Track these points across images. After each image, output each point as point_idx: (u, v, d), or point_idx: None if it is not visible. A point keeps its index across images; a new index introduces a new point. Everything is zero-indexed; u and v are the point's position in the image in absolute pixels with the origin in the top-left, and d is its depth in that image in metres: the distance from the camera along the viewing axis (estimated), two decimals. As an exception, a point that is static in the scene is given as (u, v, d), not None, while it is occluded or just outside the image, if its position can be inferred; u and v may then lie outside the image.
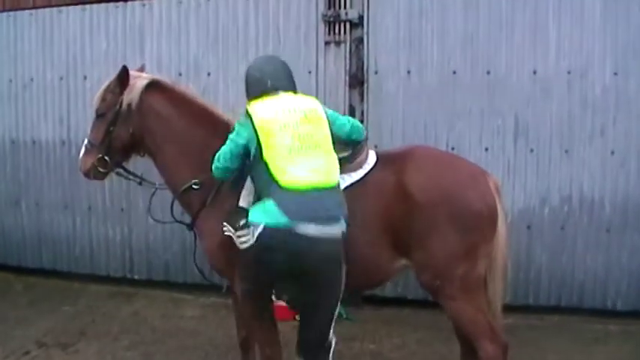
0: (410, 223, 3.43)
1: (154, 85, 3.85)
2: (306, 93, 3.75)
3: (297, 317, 5.56)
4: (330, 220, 3.20)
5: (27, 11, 6.90)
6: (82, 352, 5.06)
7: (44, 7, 6.83)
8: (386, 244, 3.51)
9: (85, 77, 6.64)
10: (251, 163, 3.35)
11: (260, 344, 3.77)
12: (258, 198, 3.37)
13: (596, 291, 5.64)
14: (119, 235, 6.68)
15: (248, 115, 3.34)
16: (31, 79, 6.87)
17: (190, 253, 6.12)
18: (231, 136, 3.44)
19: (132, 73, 3.89)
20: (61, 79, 6.76)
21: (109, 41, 6.57)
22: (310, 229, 3.12)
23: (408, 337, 5.31)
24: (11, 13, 6.94)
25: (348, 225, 3.29)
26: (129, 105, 3.77)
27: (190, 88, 4.02)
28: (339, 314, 5.66)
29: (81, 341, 5.27)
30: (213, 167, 3.52)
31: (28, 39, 6.88)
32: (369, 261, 3.53)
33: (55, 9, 6.78)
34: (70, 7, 6.72)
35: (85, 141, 3.91)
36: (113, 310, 6.02)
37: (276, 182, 3.18)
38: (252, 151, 3.29)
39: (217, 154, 3.48)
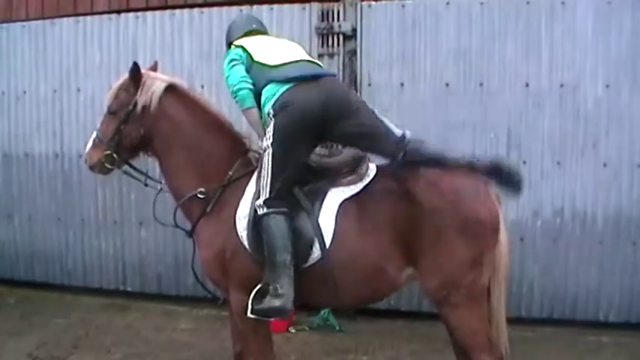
0: (417, 232, 3.41)
1: (171, 89, 3.81)
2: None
3: (291, 329, 5.64)
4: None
5: (19, 23, 6.90)
6: (75, 366, 5.04)
7: (37, 19, 6.84)
8: (393, 253, 3.47)
9: (79, 90, 6.64)
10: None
11: (254, 356, 3.75)
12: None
13: (589, 303, 5.66)
14: (112, 248, 6.66)
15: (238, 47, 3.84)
16: (24, 92, 6.86)
17: (183, 265, 6.24)
18: (231, 69, 3.75)
19: (146, 72, 3.85)
20: (55, 91, 6.75)
21: (103, 53, 6.57)
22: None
23: (402, 349, 5.30)
24: (4, 25, 6.94)
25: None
26: (144, 107, 3.74)
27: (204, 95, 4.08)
28: (332, 326, 5.72)
29: (74, 354, 5.22)
30: (240, 97, 3.69)
31: (21, 51, 6.87)
32: (377, 271, 3.49)
33: (48, 21, 6.78)
34: (64, 19, 6.73)
35: (94, 135, 3.86)
36: (106, 322, 5.98)
37: (269, 67, 3.66)
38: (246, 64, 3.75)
39: (234, 87, 3.70)
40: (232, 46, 3.89)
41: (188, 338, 5.59)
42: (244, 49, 3.79)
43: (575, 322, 5.67)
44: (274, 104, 3.52)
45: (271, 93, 3.57)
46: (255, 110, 3.68)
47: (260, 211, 3.43)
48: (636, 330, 5.53)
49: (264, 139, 3.52)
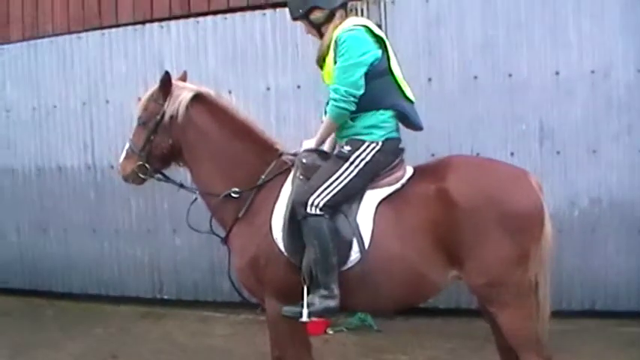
0: (458, 233, 3.33)
1: (197, 98, 3.78)
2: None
3: (329, 330, 5.61)
4: None
5: (46, 39, 7.02)
6: (115, 375, 5.07)
7: (63, 34, 6.95)
8: (436, 257, 3.39)
9: (107, 101, 6.72)
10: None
11: (293, 361, 3.72)
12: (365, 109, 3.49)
13: (631, 293, 5.54)
14: (147, 257, 6.71)
15: (365, 29, 3.49)
16: (54, 106, 6.96)
17: (218, 271, 6.24)
18: (351, 60, 3.41)
19: (175, 82, 3.83)
20: (84, 104, 6.84)
21: (129, 64, 6.64)
22: None
23: (440, 348, 5.25)
24: (31, 41, 7.07)
25: None
26: (171, 117, 3.74)
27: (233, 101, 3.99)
28: (369, 326, 5.68)
29: (113, 364, 5.28)
30: (339, 108, 3.44)
31: (49, 66, 6.98)
32: (420, 276, 3.42)
33: (74, 35, 6.88)
34: (89, 33, 6.82)
35: (127, 145, 3.87)
36: (144, 331, 6.03)
37: (399, 90, 3.55)
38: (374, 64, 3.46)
39: (339, 90, 3.41)
40: (345, 19, 3.59)
41: (225, 344, 5.60)
42: (382, 42, 3.56)
43: (617, 313, 5.54)
44: (385, 139, 3.50)
45: (389, 125, 3.54)
46: (337, 126, 3.60)
47: (311, 211, 3.35)
48: (681, 318, 5.40)
49: (357, 152, 3.46)
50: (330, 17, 3.59)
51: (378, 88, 3.48)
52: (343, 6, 3.65)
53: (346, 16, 3.63)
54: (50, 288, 7.11)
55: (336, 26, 3.54)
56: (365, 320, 5.77)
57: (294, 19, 3.74)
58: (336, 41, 3.47)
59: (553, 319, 3.62)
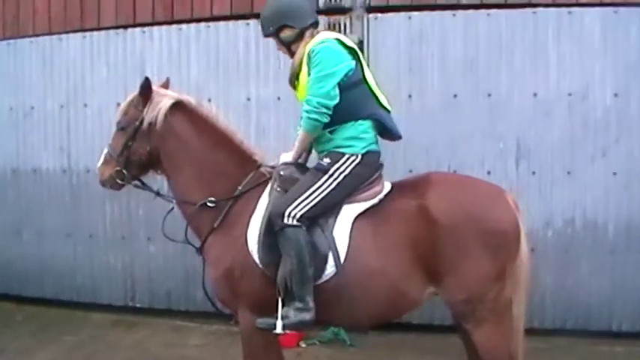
0: (438, 249, 3.34)
1: (177, 106, 3.77)
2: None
3: (302, 343, 5.60)
4: None
5: (27, 39, 6.93)
6: (85, 383, 5.01)
7: (44, 34, 6.87)
8: (415, 273, 3.40)
9: (86, 105, 6.66)
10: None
11: (266, 374, 3.71)
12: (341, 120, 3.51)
13: (602, 313, 5.63)
14: (121, 264, 6.64)
15: (337, 41, 3.54)
16: (32, 107, 6.88)
17: (192, 281, 6.22)
18: (325, 71, 3.42)
19: (156, 89, 3.82)
20: (62, 107, 6.77)
21: (110, 68, 6.59)
22: None
23: (414, 363, 5.26)
24: (11, 41, 6.98)
25: None
26: (150, 123, 3.72)
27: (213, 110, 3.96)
28: (343, 341, 5.67)
29: (83, 372, 5.22)
30: (312, 120, 3.44)
31: (28, 67, 6.90)
32: (398, 292, 3.43)
33: (55, 36, 6.81)
34: (70, 35, 6.75)
35: (105, 150, 3.86)
36: (115, 339, 5.95)
37: (376, 99, 3.59)
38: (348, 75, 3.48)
39: (312, 102, 3.41)
40: (316, 35, 3.61)
41: (198, 354, 5.56)
42: (354, 52, 3.61)
43: (588, 332, 5.63)
44: (366, 151, 3.53)
45: (368, 136, 3.56)
46: (312, 139, 3.60)
47: (288, 221, 3.35)
48: (650, 340, 5.48)
49: (337, 165, 3.48)
50: (300, 36, 3.64)
51: (355, 99, 3.51)
52: (313, 25, 3.69)
53: (316, 33, 3.65)
54: (21, 292, 7.00)
55: (307, 44, 3.56)
56: (338, 334, 5.76)
57: (266, 35, 3.79)
58: (308, 55, 3.49)
59: (525, 336, 3.65)
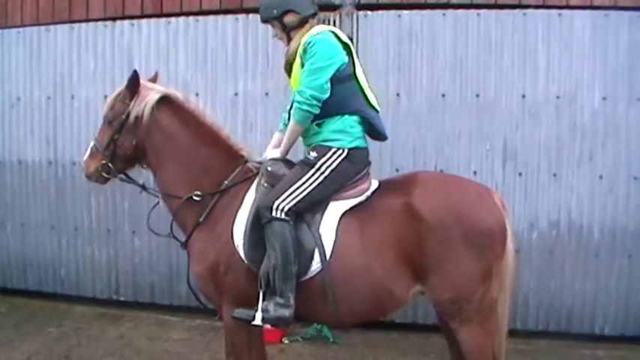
0: (424, 248, 3.34)
1: (164, 100, 3.76)
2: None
3: (284, 340, 5.60)
4: None
5: (14, 29, 6.86)
6: (67, 376, 4.99)
7: (32, 25, 6.80)
8: (401, 271, 3.40)
9: (73, 97, 6.60)
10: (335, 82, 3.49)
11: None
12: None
13: (584, 316, 5.64)
14: (105, 257, 6.61)
15: (333, 34, 3.55)
16: (18, 99, 6.81)
17: (176, 275, 6.21)
18: (319, 63, 3.42)
19: (144, 83, 3.81)
20: (49, 98, 6.71)
21: (97, 61, 6.53)
22: None
23: (396, 362, 5.27)
24: (-2, 31, 6.92)
25: None
26: (136, 117, 3.71)
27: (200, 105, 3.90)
28: (325, 338, 5.67)
29: (66, 365, 5.19)
30: (302, 111, 3.45)
31: (15, 57, 6.83)
32: (384, 290, 3.43)
33: (42, 27, 6.74)
34: (58, 26, 6.69)
35: (91, 143, 3.85)
36: (99, 332, 5.93)
37: (364, 95, 3.61)
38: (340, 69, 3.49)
39: (305, 93, 3.41)
40: (313, 28, 3.61)
41: (181, 349, 5.54)
42: (348, 48, 3.62)
43: (570, 335, 5.65)
44: (353, 147, 3.54)
45: (355, 131, 3.57)
46: (302, 130, 3.59)
47: (276, 214, 3.35)
48: (632, 343, 5.52)
49: (323, 159, 3.49)
50: (301, 24, 3.64)
51: (344, 93, 3.51)
52: (314, 16, 3.70)
53: (314, 25, 3.66)
54: (5, 284, 6.97)
55: (303, 34, 3.56)
56: (321, 331, 5.76)
57: (266, 20, 3.75)
58: (304, 46, 3.49)
59: (507, 338, 3.66)
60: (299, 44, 3.54)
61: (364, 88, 3.62)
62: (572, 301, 5.64)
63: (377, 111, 3.68)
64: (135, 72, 3.76)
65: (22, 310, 6.55)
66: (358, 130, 3.58)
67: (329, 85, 3.43)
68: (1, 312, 6.55)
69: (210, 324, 5.90)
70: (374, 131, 3.71)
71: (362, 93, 3.61)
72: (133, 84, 3.74)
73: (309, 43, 3.46)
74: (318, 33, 3.50)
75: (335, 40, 3.53)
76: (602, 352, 5.42)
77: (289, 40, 3.67)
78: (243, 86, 6.11)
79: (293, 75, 3.64)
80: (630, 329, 5.58)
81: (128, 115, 3.72)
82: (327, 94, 3.43)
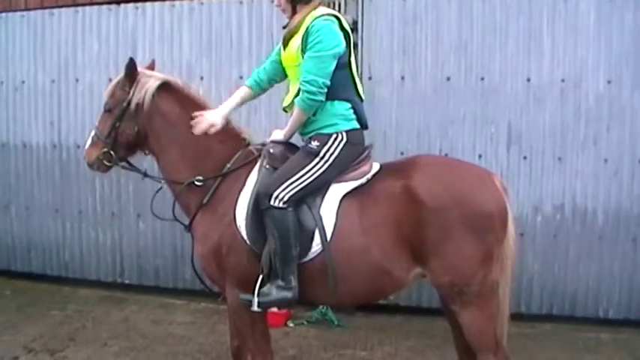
0: (423, 230, 3.35)
1: (164, 87, 3.77)
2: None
3: (289, 323, 5.62)
4: None
5: (18, 13, 6.84)
6: (71, 358, 4.99)
7: (36, 8, 6.78)
8: (400, 253, 3.41)
9: (77, 80, 6.60)
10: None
11: (252, 352, 3.73)
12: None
13: (588, 299, 5.65)
14: (109, 240, 6.63)
15: (337, 21, 3.53)
16: (23, 82, 6.81)
17: (181, 258, 6.23)
18: (327, 51, 3.40)
19: (143, 70, 3.82)
20: (53, 81, 6.71)
21: (101, 44, 6.53)
22: None
23: (400, 345, 5.27)
24: (2, 14, 6.89)
25: None
26: (137, 104, 3.71)
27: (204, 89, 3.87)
28: (330, 321, 5.69)
29: (70, 347, 5.19)
30: (313, 101, 3.44)
31: (19, 41, 6.82)
32: (383, 271, 3.44)
33: (47, 11, 6.73)
34: (62, 9, 6.67)
35: (92, 132, 3.86)
36: (103, 315, 5.96)
37: (354, 84, 3.62)
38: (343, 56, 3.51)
39: (317, 82, 3.39)
40: (318, 9, 3.56)
41: (185, 332, 5.57)
42: (347, 36, 3.60)
43: (574, 318, 5.66)
44: (349, 129, 3.54)
45: (349, 115, 3.57)
46: (307, 117, 3.56)
47: (275, 203, 3.36)
48: (636, 327, 5.53)
49: (326, 147, 3.49)
50: None
51: (338, 80, 3.50)
52: None
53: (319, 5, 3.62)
54: (9, 267, 7.00)
55: (309, 12, 3.51)
56: (326, 315, 5.78)
57: None
58: (307, 29, 3.44)
59: (511, 321, 3.67)
60: (303, 21, 3.50)
61: (355, 77, 3.63)
62: (577, 285, 5.64)
63: (362, 100, 3.70)
64: (131, 59, 3.77)
65: (26, 293, 6.57)
66: (350, 113, 3.58)
67: (329, 73, 3.43)
68: (6, 295, 6.58)
69: (215, 307, 5.91)
70: (358, 120, 3.70)
71: (352, 82, 3.62)
72: (131, 71, 3.75)
73: (314, 26, 3.42)
74: (325, 19, 3.46)
75: (338, 28, 3.51)
76: (606, 336, 5.42)
77: (294, 13, 3.62)
78: (247, 69, 6.08)
79: (288, 50, 3.61)
80: (634, 313, 5.58)
81: (129, 103, 3.73)
82: (326, 83, 3.43)
